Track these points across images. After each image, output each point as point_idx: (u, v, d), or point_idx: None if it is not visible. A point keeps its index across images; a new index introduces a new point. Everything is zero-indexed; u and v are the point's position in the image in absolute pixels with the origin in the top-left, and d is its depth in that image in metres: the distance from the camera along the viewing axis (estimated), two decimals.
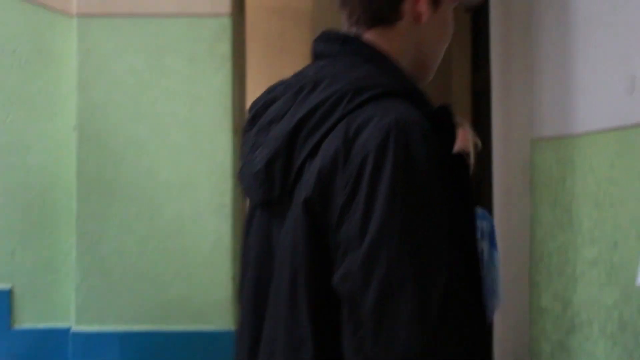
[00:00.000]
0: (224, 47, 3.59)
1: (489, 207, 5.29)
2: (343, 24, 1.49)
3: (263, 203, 1.39)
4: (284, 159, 1.32)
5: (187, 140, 3.56)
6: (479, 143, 2.80)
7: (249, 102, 5.50)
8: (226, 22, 3.60)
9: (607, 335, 3.66)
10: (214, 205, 3.56)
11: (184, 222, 3.53)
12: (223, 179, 3.57)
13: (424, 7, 1.44)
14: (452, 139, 1.33)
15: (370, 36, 1.44)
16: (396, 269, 1.18)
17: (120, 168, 3.49)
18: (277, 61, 6.72)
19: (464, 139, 2.69)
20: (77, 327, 3.47)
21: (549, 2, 4.42)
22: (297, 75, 1.45)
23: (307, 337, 1.25)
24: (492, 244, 2.73)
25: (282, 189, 1.33)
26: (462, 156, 1.35)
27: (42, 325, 3.57)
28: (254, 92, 6.38)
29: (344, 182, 1.24)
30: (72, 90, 3.52)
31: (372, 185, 1.21)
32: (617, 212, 3.50)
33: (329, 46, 1.46)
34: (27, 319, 3.59)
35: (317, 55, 1.48)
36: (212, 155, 3.57)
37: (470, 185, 1.36)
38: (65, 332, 3.51)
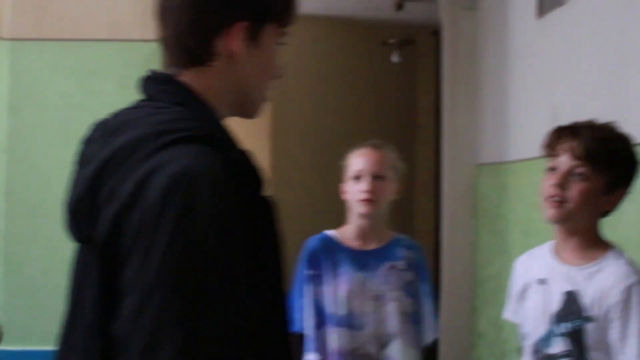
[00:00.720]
0: None
1: (437, 231, 5.32)
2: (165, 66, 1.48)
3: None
4: (87, 202, 1.31)
5: None
6: (400, 167, 2.84)
7: None
8: (156, 47, 3.64)
9: None
10: None
11: None
12: None
13: (236, 45, 1.41)
14: (255, 183, 1.34)
15: (187, 76, 1.42)
16: (164, 318, 1.18)
17: (48, 190, 3.53)
18: None
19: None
20: (2, 346, 3.50)
21: (489, 33, 4.48)
22: (114, 115, 1.43)
23: None
24: (421, 275, 2.77)
25: (87, 230, 1.32)
26: (267, 200, 1.36)
27: None
28: None
29: (131, 227, 1.23)
30: (2, 112, 3.56)
31: (153, 234, 1.21)
32: (543, 239, 3.54)
33: (149, 86, 1.45)
34: None
35: (142, 95, 1.47)
36: None
37: (276, 227, 1.37)
38: None
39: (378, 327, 2.68)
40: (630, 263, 2.04)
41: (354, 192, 2.73)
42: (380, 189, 2.72)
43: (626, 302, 1.95)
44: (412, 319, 2.74)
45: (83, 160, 1.40)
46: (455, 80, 4.91)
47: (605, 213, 2.13)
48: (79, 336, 1.31)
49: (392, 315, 2.69)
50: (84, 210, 1.32)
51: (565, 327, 2.05)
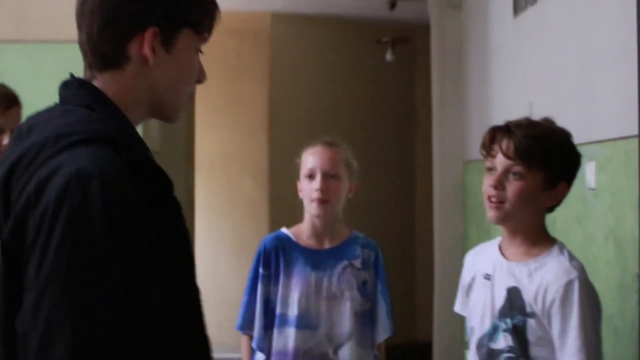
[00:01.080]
0: None
1: (430, 228, 5.35)
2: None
3: None
4: (2, 203, 1.37)
5: None
6: (355, 164, 2.83)
7: (199, 123, 5.59)
8: None
9: None
10: None
11: None
12: None
13: (149, 50, 1.43)
14: (158, 183, 1.38)
15: (101, 79, 1.45)
16: (57, 315, 1.23)
17: None
18: (235, 81, 6.82)
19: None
20: None
21: (473, 31, 4.51)
22: (28, 118, 1.47)
23: None
24: (378, 274, 2.74)
25: (3, 230, 1.36)
26: (171, 199, 1.40)
27: None
28: (207, 113, 6.54)
29: (31, 227, 1.29)
30: None
31: (49, 233, 1.26)
32: None
33: (64, 90, 1.48)
34: None
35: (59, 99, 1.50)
36: None
37: (182, 225, 1.42)
38: None
39: (332, 327, 2.66)
40: (571, 259, 2.06)
41: (307, 191, 2.71)
42: (333, 188, 2.68)
43: (565, 297, 1.98)
44: (364, 319, 2.71)
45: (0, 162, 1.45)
46: (443, 78, 4.95)
47: (550, 208, 2.15)
48: None
49: (346, 315, 2.67)
50: (0, 211, 1.38)
51: (508, 322, 2.07)
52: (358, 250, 2.74)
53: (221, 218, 6.85)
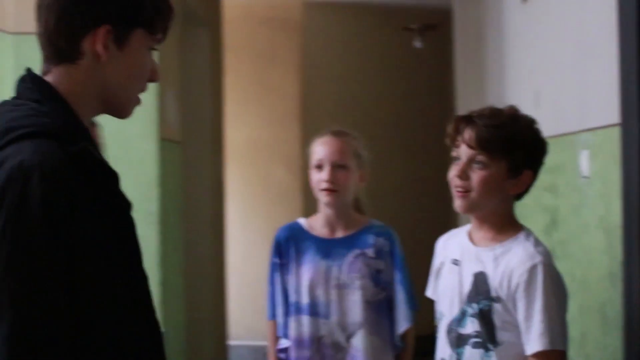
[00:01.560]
0: None
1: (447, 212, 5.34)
2: None
3: None
4: None
5: (117, 150, 3.74)
6: (365, 154, 2.85)
7: (230, 112, 5.66)
8: None
9: None
10: (142, 212, 3.72)
11: None
12: (149, 187, 3.75)
13: (101, 47, 1.49)
14: (101, 174, 1.45)
15: (56, 73, 1.52)
16: None
17: None
18: (267, 70, 6.87)
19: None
20: None
21: (490, 17, 4.49)
22: None
23: None
24: (394, 263, 2.73)
25: None
26: (114, 189, 1.47)
27: None
28: (239, 102, 6.62)
29: None
30: None
31: None
32: (532, 224, 3.55)
33: (19, 84, 1.55)
34: None
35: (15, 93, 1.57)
36: (139, 165, 3.75)
37: (126, 214, 1.49)
38: None
39: (343, 315, 2.68)
40: (537, 245, 2.08)
41: (316, 181, 2.72)
42: (341, 178, 2.69)
43: (529, 282, 2.00)
44: (379, 308, 2.71)
45: None
46: (464, 65, 4.94)
47: (518, 196, 2.16)
48: None
49: (357, 304, 2.68)
50: None
51: (474, 307, 2.09)
52: (371, 239, 2.74)
53: (254, 207, 6.93)
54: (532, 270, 2.00)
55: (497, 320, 2.05)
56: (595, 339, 2.66)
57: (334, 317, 2.69)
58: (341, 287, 2.69)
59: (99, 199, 1.44)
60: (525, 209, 3.71)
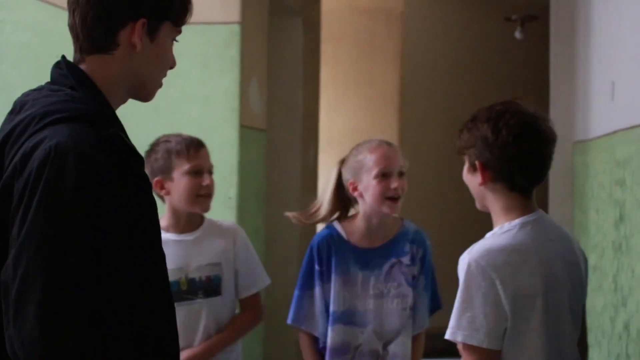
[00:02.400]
0: (233, 52, 3.89)
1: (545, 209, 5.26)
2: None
3: None
4: None
5: (198, 136, 3.88)
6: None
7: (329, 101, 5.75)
8: (235, 29, 3.90)
9: (598, 343, 3.65)
10: (221, 196, 3.86)
11: None
12: (230, 173, 3.88)
13: (137, 38, 1.63)
14: (129, 158, 1.56)
15: (89, 62, 1.65)
16: (31, 269, 1.45)
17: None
18: (367, 59, 6.92)
19: None
20: None
21: (581, 9, 4.40)
22: (22, 95, 1.67)
23: None
24: (422, 269, 2.75)
25: None
26: (141, 173, 1.59)
27: None
28: (339, 91, 6.73)
29: (16, 191, 1.50)
30: None
31: (30, 197, 1.47)
32: (608, 216, 3.48)
33: (55, 70, 1.67)
34: None
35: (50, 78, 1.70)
36: (220, 151, 3.87)
37: (149, 197, 1.60)
38: None
39: (381, 324, 2.71)
40: (489, 237, 2.06)
41: (380, 189, 2.67)
42: (404, 184, 2.72)
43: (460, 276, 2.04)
44: (414, 312, 2.75)
45: None
46: (557, 57, 4.86)
47: (522, 190, 2.07)
48: None
49: (394, 312, 2.71)
50: None
51: None
52: (407, 247, 2.76)
53: None
54: (460, 265, 2.02)
55: None
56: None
57: (371, 326, 2.72)
58: (378, 297, 2.72)
59: (125, 181, 1.55)
60: (600, 203, 3.64)
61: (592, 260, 3.85)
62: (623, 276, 3.05)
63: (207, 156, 2.82)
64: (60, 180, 1.48)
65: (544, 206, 5.56)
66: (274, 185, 4.93)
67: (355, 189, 2.72)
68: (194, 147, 2.76)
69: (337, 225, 2.79)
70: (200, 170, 2.75)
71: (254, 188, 4.20)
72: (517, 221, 2.04)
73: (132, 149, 1.59)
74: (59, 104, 1.57)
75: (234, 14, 3.92)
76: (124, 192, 1.54)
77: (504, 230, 2.05)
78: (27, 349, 1.44)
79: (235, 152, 3.89)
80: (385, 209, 2.70)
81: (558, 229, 2.14)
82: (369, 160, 2.70)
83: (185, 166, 2.71)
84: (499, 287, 1.97)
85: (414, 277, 2.74)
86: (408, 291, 2.72)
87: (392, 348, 2.71)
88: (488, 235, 2.06)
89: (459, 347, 2.01)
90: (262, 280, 2.84)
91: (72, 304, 1.46)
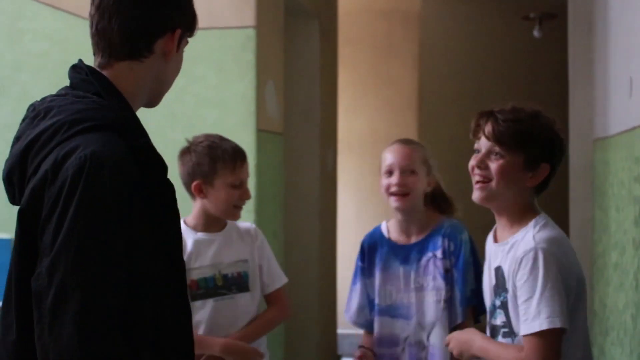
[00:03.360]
0: (249, 56, 3.90)
1: (565, 208, 5.23)
2: (94, 52, 1.71)
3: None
4: (18, 174, 1.61)
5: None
6: (433, 162, 2.92)
7: (348, 104, 5.78)
8: (251, 33, 3.91)
9: (620, 341, 3.62)
10: None
11: None
12: None
13: (172, 46, 1.68)
14: (157, 168, 1.58)
15: (117, 68, 1.66)
16: (69, 277, 1.45)
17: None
18: (384, 62, 6.91)
19: None
20: None
21: (599, 5, 4.37)
22: (43, 99, 1.68)
23: (13, 323, 1.56)
24: (456, 263, 2.81)
25: (19, 198, 1.61)
26: (168, 183, 1.61)
27: None
28: (357, 94, 6.74)
29: (48, 199, 1.50)
30: None
31: (65, 205, 1.48)
32: (628, 216, 3.45)
33: (75, 75, 1.68)
34: None
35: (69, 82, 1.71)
36: None
37: (175, 207, 1.62)
38: None
39: (423, 316, 2.81)
40: (541, 230, 2.09)
41: (385, 186, 2.82)
42: (410, 182, 2.78)
43: (526, 267, 2.04)
44: (450, 305, 2.82)
45: (17, 136, 1.68)
46: (576, 55, 4.82)
47: (537, 191, 2.17)
48: (4, 290, 1.62)
49: (431, 304, 2.80)
50: (16, 180, 1.62)
51: (498, 300, 2.17)
52: (440, 241, 2.83)
53: (369, 197, 6.98)
54: (527, 256, 2.04)
55: (511, 310, 2.12)
56: None
57: (414, 318, 2.82)
58: (419, 290, 2.83)
59: (151, 191, 1.57)
60: (619, 201, 3.61)
61: (613, 258, 3.82)
62: None
63: (247, 168, 2.88)
64: (97, 189, 1.48)
65: (565, 205, 5.53)
66: (293, 188, 4.94)
67: (381, 187, 2.87)
68: (240, 160, 2.82)
69: (384, 224, 2.95)
70: (242, 183, 2.82)
71: (272, 192, 4.20)
72: (544, 215, 2.14)
73: (160, 159, 1.60)
74: (89, 111, 1.59)
75: (249, 18, 3.92)
76: (151, 201, 1.57)
77: (544, 223, 2.12)
78: (64, 358, 1.44)
79: (253, 156, 3.89)
80: (392, 204, 2.82)
81: None
82: (382, 160, 2.88)
83: (230, 178, 2.77)
84: (567, 271, 2.06)
85: (447, 271, 2.82)
86: (441, 284, 2.80)
87: (432, 339, 2.81)
88: (536, 227, 2.11)
89: (532, 333, 2.01)
90: (282, 278, 2.93)
91: (109, 314, 1.47)
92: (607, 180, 4.02)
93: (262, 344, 2.88)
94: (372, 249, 2.90)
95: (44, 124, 1.59)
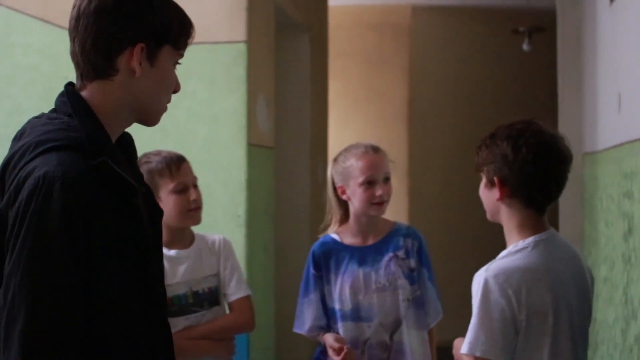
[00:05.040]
0: (240, 71, 3.91)
1: (555, 221, 5.24)
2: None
3: None
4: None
5: (206, 156, 3.91)
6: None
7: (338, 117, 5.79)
8: (242, 48, 3.92)
9: (610, 355, 3.64)
10: (229, 215, 3.88)
11: (202, 230, 3.87)
12: (238, 191, 3.89)
13: (136, 63, 1.62)
14: (118, 186, 1.57)
15: (90, 89, 1.64)
16: (17, 297, 1.47)
17: None
18: (375, 75, 6.94)
19: None
20: None
21: (589, 20, 4.40)
22: (26, 123, 1.68)
23: None
24: (421, 261, 2.84)
25: None
26: (130, 201, 1.59)
27: None
28: (348, 106, 6.78)
29: (10, 221, 1.52)
30: None
31: (19, 227, 1.49)
32: (619, 230, 3.47)
33: (58, 98, 1.67)
34: None
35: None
36: (228, 169, 3.90)
37: (139, 224, 1.60)
38: None
39: (385, 316, 2.79)
40: (505, 256, 2.08)
41: (367, 196, 2.78)
42: (390, 189, 2.82)
43: (474, 293, 2.07)
44: (417, 304, 2.82)
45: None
46: (565, 69, 4.86)
47: (536, 207, 2.12)
48: None
49: (396, 303, 2.80)
50: None
51: None
52: (401, 241, 2.85)
53: None
54: (477, 282, 2.05)
55: None
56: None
57: (377, 319, 2.81)
58: (380, 290, 2.82)
59: (116, 209, 1.56)
60: (609, 215, 3.63)
61: (602, 272, 3.84)
62: (633, 288, 3.04)
63: (189, 170, 2.83)
64: (46, 209, 1.48)
65: (555, 219, 5.55)
66: (284, 202, 4.95)
67: (343, 192, 2.84)
68: (175, 165, 2.77)
69: (331, 234, 2.92)
70: (186, 186, 2.77)
71: (263, 205, 4.21)
72: (530, 239, 2.09)
73: (123, 178, 1.58)
74: (53, 132, 1.58)
75: (240, 33, 3.93)
76: (115, 220, 1.55)
77: (518, 249, 2.09)
78: None
79: (244, 170, 3.90)
80: (372, 212, 2.82)
81: (567, 247, 2.19)
82: (355, 168, 2.81)
83: (170, 185, 2.73)
84: (515, 304, 2.01)
85: (411, 270, 2.83)
86: (405, 283, 2.81)
87: (397, 337, 2.80)
88: (503, 253, 2.10)
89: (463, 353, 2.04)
90: (246, 289, 2.87)
91: (54, 334, 1.47)
92: (597, 194, 4.04)
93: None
94: (326, 256, 2.86)
95: (17, 146, 1.61)
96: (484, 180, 2.15)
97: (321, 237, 2.94)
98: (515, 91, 7.03)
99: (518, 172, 2.08)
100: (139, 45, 1.63)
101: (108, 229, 1.54)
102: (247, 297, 2.84)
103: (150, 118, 1.71)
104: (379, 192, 2.77)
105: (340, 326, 2.82)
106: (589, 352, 4.07)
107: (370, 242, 2.86)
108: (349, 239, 2.88)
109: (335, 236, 2.91)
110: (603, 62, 3.81)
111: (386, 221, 2.91)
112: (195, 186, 2.82)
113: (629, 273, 3.12)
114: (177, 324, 2.68)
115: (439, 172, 7.09)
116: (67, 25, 1.70)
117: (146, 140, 3.88)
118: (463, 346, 2.03)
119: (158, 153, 2.81)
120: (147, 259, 1.63)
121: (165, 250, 2.66)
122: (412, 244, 2.86)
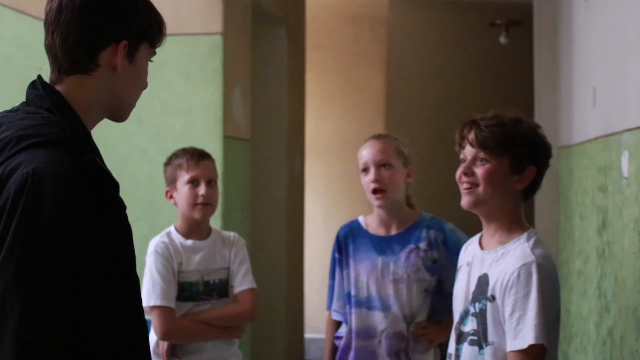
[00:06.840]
0: (216, 63, 3.89)
1: (531, 214, 5.27)
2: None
3: None
4: None
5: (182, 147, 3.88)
6: (407, 151, 2.91)
7: (316, 109, 5.76)
8: (217, 40, 3.90)
9: (584, 348, 3.66)
10: None
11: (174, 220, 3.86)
12: None
13: (119, 59, 1.63)
14: (104, 183, 1.57)
15: (67, 83, 1.64)
16: (8, 295, 1.44)
17: (123, 173, 3.85)
18: (352, 66, 6.93)
19: None
20: None
21: (564, 15, 4.42)
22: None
23: None
24: (449, 250, 2.81)
25: None
26: (116, 198, 1.59)
27: None
28: (325, 99, 6.79)
29: None
30: None
31: (7, 223, 1.47)
32: (593, 223, 3.49)
33: (30, 91, 1.67)
34: None
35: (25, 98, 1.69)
36: None
37: (125, 221, 1.61)
38: None
39: (402, 307, 2.79)
40: (535, 246, 2.10)
41: (364, 184, 2.81)
42: (386, 176, 2.78)
43: (520, 280, 2.04)
44: (436, 294, 2.82)
45: None
46: (541, 62, 4.87)
47: (525, 196, 2.18)
48: None
49: (414, 295, 2.79)
50: None
51: (476, 307, 2.15)
52: (424, 233, 2.84)
53: (337, 201, 7.00)
54: (523, 269, 2.04)
55: (489, 319, 2.11)
56: (629, 343, 2.61)
57: (393, 309, 2.80)
58: (397, 282, 2.81)
59: (100, 207, 1.56)
60: (583, 209, 3.65)
61: (577, 265, 3.86)
62: (606, 282, 3.06)
63: (207, 167, 2.99)
64: (37, 207, 1.47)
65: (531, 211, 5.58)
66: (261, 194, 4.94)
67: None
68: (193, 159, 2.96)
69: (361, 218, 2.94)
70: (197, 180, 2.93)
71: (239, 198, 4.20)
72: (534, 230, 2.17)
73: (108, 174, 1.59)
74: (35, 127, 1.57)
75: (216, 24, 3.91)
76: (100, 217, 1.55)
77: (536, 239, 2.13)
78: None
79: (220, 162, 3.88)
80: (373, 202, 2.81)
81: None
82: (358, 157, 2.86)
83: (185, 177, 2.94)
84: (556, 288, 2.09)
85: (434, 262, 2.82)
86: (426, 275, 2.81)
87: (414, 328, 2.80)
88: (528, 241, 2.11)
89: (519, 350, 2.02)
90: (252, 283, 2.99)
91: (49, 334, 1.45)
92: (572, 188, 4.07)
93: (234, 343, 2.99)
94: (347, 239, 2.88)
95: None
96: (503, 163, 2.11)
97: (350, 220, 2.96)
98: (492, 84, 7.05)
99: (547, 163, 2.15)
100: (123, 42, 1.64)
101: (95, 226, 1.53)
102: (252, 290, 2.98)
103: (121, 114, 1.73)
104: (370, 178, 2.78)
105: (353, 312, 2.84)
106: (563, 345, 4.10)
107: (393, 232, 2.86)
108: (374, 227, 2.88)
109: (362, 220, 2.92)
110: (579, 56, 3.83)
111: (411, 212, 2.90)
112: (210, 183, 2.97)
113: (602, 266, 3.14)
114: (184, 307, 2.85)
115: (417, 162, 7.10)
116: (41, 16, 1.69)
117: (121, 132, 3.87)
118: (522, 341, 2.00)
119: (190, 149, 3.04)
120: (131, 256, 1.63)
121: (182, 240, 2.95)
122: (436, 235, 2.85)
